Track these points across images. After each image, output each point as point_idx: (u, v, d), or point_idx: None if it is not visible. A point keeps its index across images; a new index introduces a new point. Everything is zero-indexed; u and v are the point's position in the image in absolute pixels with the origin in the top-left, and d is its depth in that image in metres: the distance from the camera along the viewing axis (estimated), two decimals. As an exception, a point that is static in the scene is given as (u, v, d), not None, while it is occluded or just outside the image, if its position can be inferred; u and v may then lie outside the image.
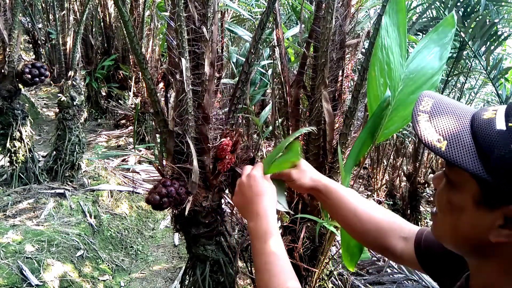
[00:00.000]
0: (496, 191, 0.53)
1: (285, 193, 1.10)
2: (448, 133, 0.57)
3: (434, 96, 0.64)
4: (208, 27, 1.40)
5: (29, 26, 6.30)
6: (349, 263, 1.43)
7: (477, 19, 3.72)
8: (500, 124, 0.54)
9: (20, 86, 2.94)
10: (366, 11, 3.14)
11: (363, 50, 1.92)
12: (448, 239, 0.64)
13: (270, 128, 2.22)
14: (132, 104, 5.01)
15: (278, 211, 1.32)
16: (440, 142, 0.57)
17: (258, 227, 0.86)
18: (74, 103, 3.19)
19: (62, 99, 3.16)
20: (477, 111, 0.61)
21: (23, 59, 3.15)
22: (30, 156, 3.13)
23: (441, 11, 4.02)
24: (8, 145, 2.98)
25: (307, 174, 1.00)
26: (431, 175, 5.02)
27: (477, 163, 0.53)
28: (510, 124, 0.53)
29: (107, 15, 5.19)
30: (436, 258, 0.80)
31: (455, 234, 0.62)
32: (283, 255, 0.81)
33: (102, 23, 5.22)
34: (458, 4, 3.77)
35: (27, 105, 4.99)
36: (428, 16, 4.38)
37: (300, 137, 1.91)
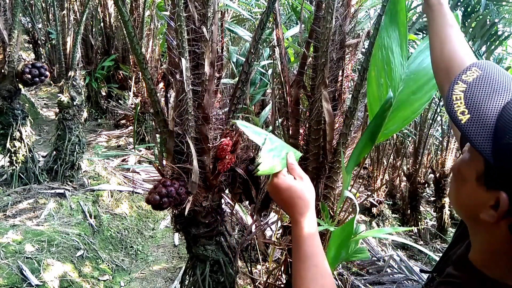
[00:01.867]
0: (496, 174, 0.56)
1: None
2: (475, 108, 0.57)
3: (484, 67, 0.63)
4: (208, 27, 1.40)
5: (29, 26, 6.31)
6: (330, 265, 1.46)
7: (477, 19, 3.72)
8: None
9: (20, 86, 2.94)
10: (366, 11, 3.15)
11: (363, 50, 1.92)
12: (454, 201, 0.69)
13: (270, 128, 2.22)
14: (132, 104, 5.01)
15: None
16: (464, 114, 0.57)
17: (294, 232, 0.86)
18: (74, 103, 3.19)
19: (62, 99, 3.16)
20: None
21: (23, 59, 3.15)
22: (30, 156, 3.13)
23: (441, 11, 4.01)
24: (8, 145, 2.98)
25: None
26: (432, 175, 5.02)
27: (488, 144, 0.55)
28: None
29: (107, 15, 5.19)
30: None
31: (458, 199, 0.67)
32: (317, 259, 0.81)
33: (102, 23, 5.21)
34: (458, 4, 3.77)
35: (27, 105, 5.00)
36: (428, 16, 4.38)
37: (300, 137, 1.91)
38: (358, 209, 1.52)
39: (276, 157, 0.89)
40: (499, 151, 0.54)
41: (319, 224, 1.68)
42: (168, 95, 1.53)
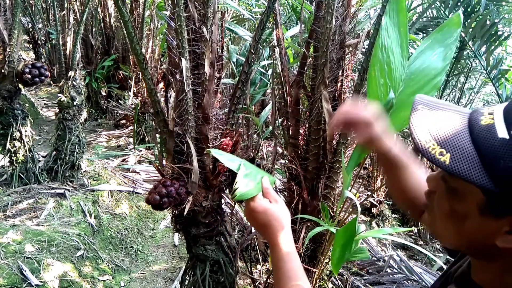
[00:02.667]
0: (503, 201, 0.52)
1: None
2: (450, 145, 0.56)
3: (427, 102, 0.62)
4: (208, 27, 1.40)
5: (29, 26, 6.31)
6: (335, 267, 1.46)
7: (477, 19, 3.72)
8: (502, 132, 0.52)
9: (20, 86, 2.93)
10: (366, 11, 3.15)
11: (363, 50, 1.92)
12: (452, 242, 0.64)
13: (270, 128, 2.22)
14: (132, 104, 5.01)
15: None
16: (443, 155, 0.55)
17: (273, 254, 0.86)
18: (74, 103, 3.19)
19: (62, 99, 3.16)
20: (473, 115, 0.58)
21: (23, 59, 3.15)
22: (30, 156, 3.13)
23: (442, 11, 4.02)
24: (8, 145, 2.98)
25: (377, 130, 0.91)
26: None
27: (483, 174, 0.52)
28: None
29: (107, 15, 5.19)
30: None
31: (459, 238, 0.61)
32: (298, 279, 0.80)
33: (102, 23, 5.21)
34: (458, 4, 3.77)
35: (27, 105, 5.00)
36: (429, 16, 4.39)
37: (300, 137, 1.91)
38: (359, 209, 1.52)
39: (251, 181, 0.92)
40: (499, 177, 0.51)
41: (318, 225, 1.69)
42: (168, 95, 1.53)
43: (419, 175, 0.91)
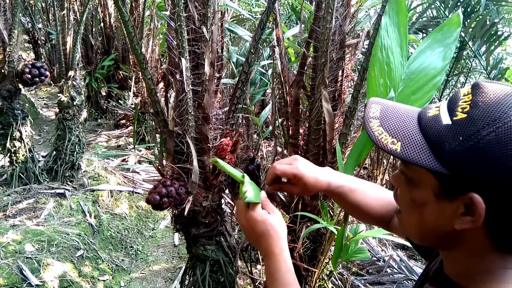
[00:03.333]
0: (453, 182, 0.56)
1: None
2: (400, 134, 0.61)
3: (380, 101, 0.69)
4: (208, 27, 1.40)
5: (29, 26, 6.31)
6: (333, 262, 1.46)
7: (477, 19, 3.72)
8: (446, 119, 0.58)
9: (20, 86, 2.94)
10: (366, 11, 3.15)
11: (363, 50, 1.92)
12: (417, 234, 0.68)
13: (270, 128, 2.22)
14: (132, 104, 5.01)
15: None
16: (394, 144, 0.60)
17: (270, 265, 0.87)
18: (74, 103, 3.19)
19: (62, 99, 3.16)
20: (422, 110, 0.65)
21: (23, 59, 3.15)
22: (30, 156, 3.13)
23: (441, 11, 4.02)
24: (8, 145, 2.98)
25: (309, 178, 0.93)
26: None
27: (432, 159, 0.57)
28: (455, 118, 0.56)
29: (107, 15, 5.19)
30: None
31: (422, 229, 0.65)
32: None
33: (102, 23, 5.21)
34: (458, 4, 3.77)
35: (27, 105, 5.00)
36: (428, 15, 4.39)
37: (300, 137, 1.91)
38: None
39: (255, 189, 0.94)
40: (446, 160, 0.55)
41: (320, 223, 1.68)
42: (168, 95, 1.53)
43: (370, 192, 0.97)
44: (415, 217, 0.65)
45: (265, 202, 0.93)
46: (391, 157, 4.90)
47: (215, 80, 1.51)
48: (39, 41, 6.26)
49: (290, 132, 1.90)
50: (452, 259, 0.65)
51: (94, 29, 5.10)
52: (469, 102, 0.56)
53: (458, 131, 0.55)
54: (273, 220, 0.89)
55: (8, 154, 3.03)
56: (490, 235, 0.57)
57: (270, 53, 2.90)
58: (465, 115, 0.55)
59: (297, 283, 0.84)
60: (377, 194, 0.97)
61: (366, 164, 4.71)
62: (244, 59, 1.91)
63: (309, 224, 1.87)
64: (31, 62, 2.96)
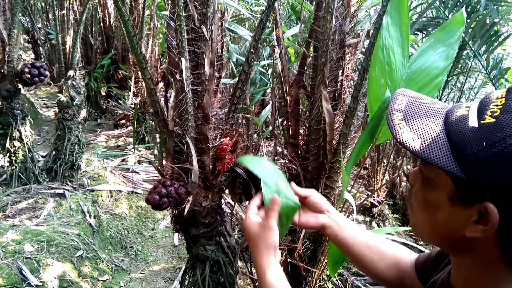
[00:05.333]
0: (470, 188, 0.54)
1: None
2: (422, 132, 0.58)
3: (408, 94, 0.65)
4: (208, 27, 1.40)
5: (29, 26, 6.30)
6: (331, 270, 1.45)
7: (477, 19, 3.72)
8: (473, 121, 0.54)
9: (20, 86, 2.93)
10: (366, 11, 3.14)
11: (363, 50, 1.92)
12: (426, 234, 0.66)
13: (270, 128, 2.21)
14: (131, 104, 5.00)
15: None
16: (414, 140, 0.57)
17: (260, 279, 0.85)
18: (74, 103, 3.19)
19: (61, 99, 3.15)
20: (451, 108, 0.61)
21: (22, 59, 3.14)
22: (30, 156, 3.13)
23: (441, 11, 4.02)
24: (7, 145, 2.97)
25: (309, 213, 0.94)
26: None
27: (451, 161, 0.54)
28: (482, 121, 0.53)
29: (107, 15, 5.18)
30: (431, 270, 0.80)
31: (432, 230, 0.63)
32: None
33: (101, 23, 5.21)
34: (458, 4, 3.77)
35: (26, 105, 4.99)
36: (428, 16, 4.38)
37: (300, 137, 1.91)
38: (355, 210, 1.52)
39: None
40: (466, 164, 0.52)
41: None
42: (168, 95, 1.53)
43: (376, 251, 0.91)
44: (427, 217, 0.63)
45: (271, 211, 0.90)
46: (391, 157, 4.90)
47: (215, 80, 1.51)
48: (38, 41, 6.25)
49: (290, 132, 1.90)
50: (460, 267, 0.63)
51: (93, 29, 5.09)
52: (501, 106, 0.53)
53: (483, 135, 0.51)
54: (272, 234, 0.87)
55: (8, 154, 3.02)
56: (501, 246, 0.54)
57: (270, 53, 2.89)
58: (494, 119, 0.52)
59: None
60: (383, 257, 0.91)
61: (366, 164, 4.70)
62: (244, 59, 1.90)
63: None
64: (30, 62, 2.96)
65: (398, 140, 0.59)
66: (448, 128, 0.57)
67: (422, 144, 0.56)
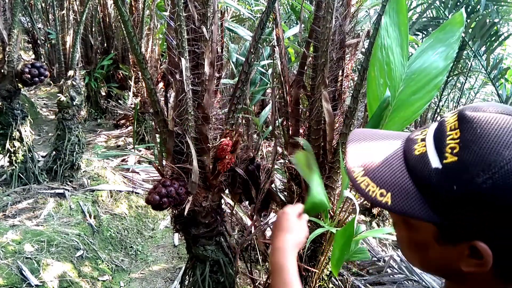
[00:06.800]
0: (454, 230, 0.52)
1: None
2: (388, 184, 0.55)
3: (358, 138, 0.62)
4: (208, 27, 1.40)
5: (29, 26, 6.30)
6: (334, 267, 1.46)
7: (477, 19, 3.72)
8: (435, 162, 0.51)
9: (20, 86, 2.93)
10: (366, 11, 3.14)
11: (363, 50, 1.92)
12: (421, 268, 0.64)
13: (270, 128, 2.21)
14: (131, 104, 5.00)
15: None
16: (383, 195, 0.54)
17: (275, 260, 0.84)
18: (74, 103, 3.19)
19: (61, 99, 3.15)
20: (406, 145, 0.57)
21: (22, 59, 3.14)
22: (30, 156, 3.13)
23: (441, 11, 4.02)
24: (7, 145, 2.97)
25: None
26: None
27: (426, 208, 0.51)
28: (445, 161, 0.50)
29: (107, 15, 5.18)
30: None
31: (428, 266, 0.61)
32: None
33: (101, 23, 5.21)
34: (458, 4, 3.77)
35: (26, 105, 4.98)
36: (428, 16, 4.38)
37: (300, 137, 1.91)
38: (358, 209, 1.52)
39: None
40: (444, 211, 0.50)
41: (318, 225, 1.68)
42: (168, 95, 1.53)
43: None
44: (418, 256, 0.61)
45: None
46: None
47: (215, 80, 1.51)
48: (38, 41, 6.25)
49: (290, 132, 1.90)
50: None
51: (93, 29, 5.09)
52: (458, 140, 0.50)
53: (450, 177, 0.49)
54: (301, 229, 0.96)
55: (8, 154, 3.02)
56: (500, 276, 0.52)
57: (270, 53, 2.89)
58: (456, 157, 0.49)
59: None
60: None
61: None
62: (244, 59, 1.90)
63: (309, 225, 1.86)
64: (30, 62, 2.96)
65: (368, 199, 0.56)
66: (411, 169, 0.54)
67: (392, 197, 0.54)
